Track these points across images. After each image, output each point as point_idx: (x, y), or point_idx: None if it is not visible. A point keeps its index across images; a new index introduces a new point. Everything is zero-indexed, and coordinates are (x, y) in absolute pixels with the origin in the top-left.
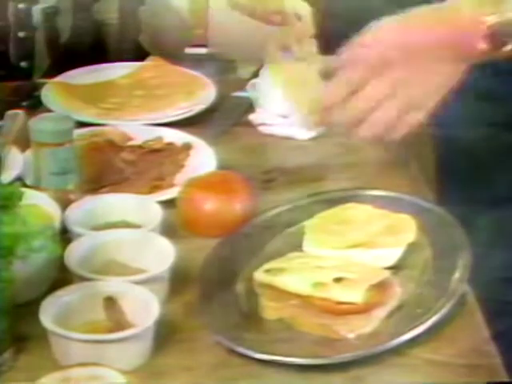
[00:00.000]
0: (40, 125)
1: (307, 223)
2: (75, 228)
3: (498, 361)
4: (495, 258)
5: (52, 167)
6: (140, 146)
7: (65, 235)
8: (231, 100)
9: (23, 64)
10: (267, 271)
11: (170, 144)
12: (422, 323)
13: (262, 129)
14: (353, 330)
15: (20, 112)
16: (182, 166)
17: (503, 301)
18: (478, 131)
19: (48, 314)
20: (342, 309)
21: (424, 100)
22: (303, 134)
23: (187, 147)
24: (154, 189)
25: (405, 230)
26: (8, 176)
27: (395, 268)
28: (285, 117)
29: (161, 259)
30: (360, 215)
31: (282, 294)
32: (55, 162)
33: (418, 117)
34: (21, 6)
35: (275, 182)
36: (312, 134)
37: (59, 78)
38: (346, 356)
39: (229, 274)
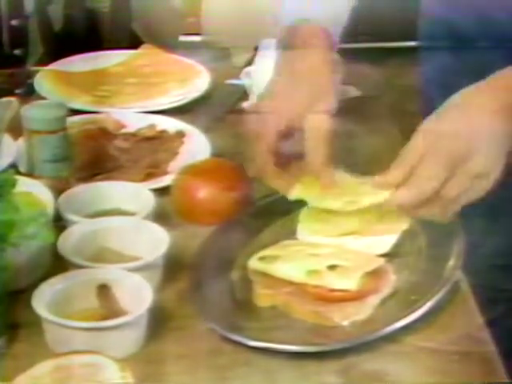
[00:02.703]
0: (33, 112)
1: (301, 211)
2: (69, 215)
3: (492, 348)
4: (488, 245)
5: (45, 155)
6: (133, 134)
7: (58, 223)
8: (225, 88)
9: (17, 52)
10: (261, 259)
11: (164, 132)
12: (415, 310)
13: None
14: (347, 317)
15: (13, 99)
16: (175, 154)
17: (497, 288)
18: None
19: (41, 301)
20: (335, 296)
21: (486, 168)
22: None
23: (181, 135)
24: (147, 176)
25: (399, 217)
26: (1, 163)
27: (389, 255)
28: None
29: (155, 247)
30: None
31: (276, 282)
32: (48, 150)
33: (483, 185)
34: None
35: None
36: None
37: (52, 66)
38: (340, 343)
39: (223, 261)
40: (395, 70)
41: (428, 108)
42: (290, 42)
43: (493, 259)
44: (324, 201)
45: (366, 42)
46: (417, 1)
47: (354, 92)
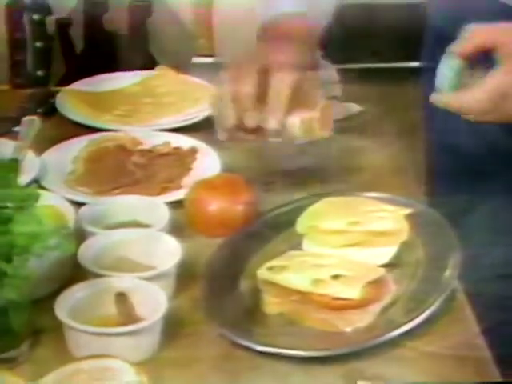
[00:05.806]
0: None
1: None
2: (89, 227)
3: (487, 354)
4: (484, 255)
5: None
6: (149, 151)
7: (79, 234)
8: None
9: (39, 73)
10: (269, 269)
11: (178, 148)
12: (414, 318)
13: None
14: (350, 324)
15: (36, 118)
16: (188, 169)
17: (491, 297)
18: (470, 134)
19: (62, 308)
20: (339, 304)
21: None
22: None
23: (193, 151)
24: (162, 190)
25: (398, 229)
26: (25, 179)
27: (389, 266)
28: None
29: (168, 257)
30: None
31: (284, 291)
32: None
33: None
34: (35, 16)
35: (276, 184)
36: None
37: (73, 86)
38: (344, 349)
39: (233, 270)
40: (393, 88)
41: (429, 124)
42: (271, 34)
43: (488, 269)
44: (328, 221)
45: (363, 63)
46: (420, 22)
47: (355, 108)
